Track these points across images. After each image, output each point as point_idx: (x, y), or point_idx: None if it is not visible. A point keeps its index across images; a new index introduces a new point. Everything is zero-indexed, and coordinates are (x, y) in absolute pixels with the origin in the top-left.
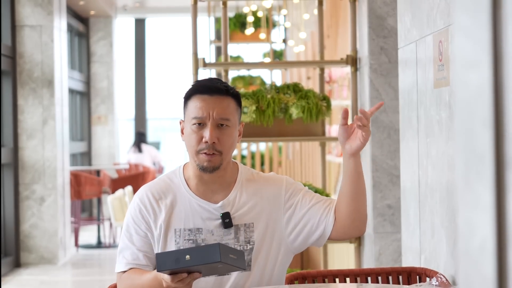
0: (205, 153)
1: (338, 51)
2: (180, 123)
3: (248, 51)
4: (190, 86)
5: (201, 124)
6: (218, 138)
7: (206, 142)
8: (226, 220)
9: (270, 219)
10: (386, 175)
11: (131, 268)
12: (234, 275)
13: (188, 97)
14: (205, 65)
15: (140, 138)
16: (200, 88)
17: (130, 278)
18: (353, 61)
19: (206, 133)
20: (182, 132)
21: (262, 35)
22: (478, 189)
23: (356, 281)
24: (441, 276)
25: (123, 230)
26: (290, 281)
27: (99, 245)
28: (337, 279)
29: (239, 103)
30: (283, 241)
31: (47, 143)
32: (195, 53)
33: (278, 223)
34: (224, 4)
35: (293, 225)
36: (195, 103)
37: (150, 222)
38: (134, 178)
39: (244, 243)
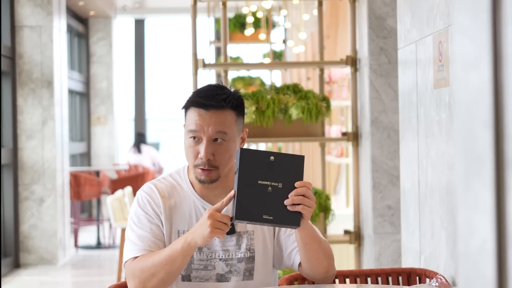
0: (201, 168)
1: (338, 51)
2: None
3: (248, 51)
4: (190, 95)
5: (196, 139)
6: (214, 154)
7: (202, 158)
8: (230, 226)
9: (266, 228)
10: (386, 176)
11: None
12: (232, 283)
13: (186, 107)
14: (205, 65)
15: (140, 139)
16: (197, 102)
17: (145, 258)
18: (353, 61)
19: (201, 149)
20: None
21: (262, 36)
22: (478, 189)
23: (356, 282)
24: (441, 277)
25: (131, 221)
26: (290, 282)
27: (99, 245)
28: (337, 280)
29: (240, 113)
30: (273, 250)
31: (47, 144)
32: (194, 54)
33: (271, 233)
34: (224, 4)
35: (276, 241)
36: (191, 116)
37: (160, 216)
38: (134, 179)
39: (245, 251)
